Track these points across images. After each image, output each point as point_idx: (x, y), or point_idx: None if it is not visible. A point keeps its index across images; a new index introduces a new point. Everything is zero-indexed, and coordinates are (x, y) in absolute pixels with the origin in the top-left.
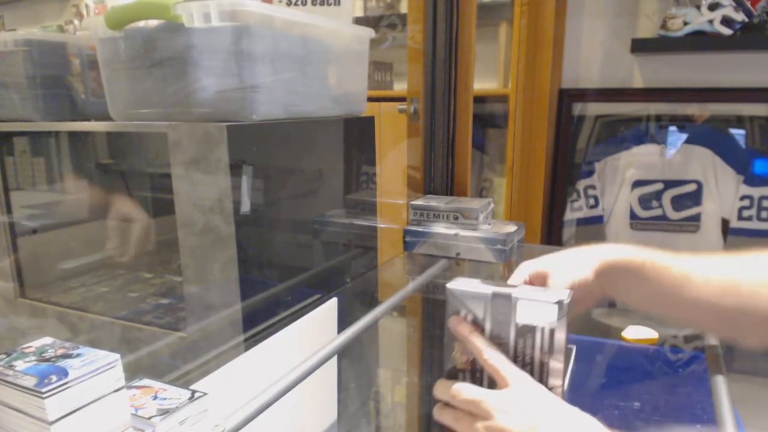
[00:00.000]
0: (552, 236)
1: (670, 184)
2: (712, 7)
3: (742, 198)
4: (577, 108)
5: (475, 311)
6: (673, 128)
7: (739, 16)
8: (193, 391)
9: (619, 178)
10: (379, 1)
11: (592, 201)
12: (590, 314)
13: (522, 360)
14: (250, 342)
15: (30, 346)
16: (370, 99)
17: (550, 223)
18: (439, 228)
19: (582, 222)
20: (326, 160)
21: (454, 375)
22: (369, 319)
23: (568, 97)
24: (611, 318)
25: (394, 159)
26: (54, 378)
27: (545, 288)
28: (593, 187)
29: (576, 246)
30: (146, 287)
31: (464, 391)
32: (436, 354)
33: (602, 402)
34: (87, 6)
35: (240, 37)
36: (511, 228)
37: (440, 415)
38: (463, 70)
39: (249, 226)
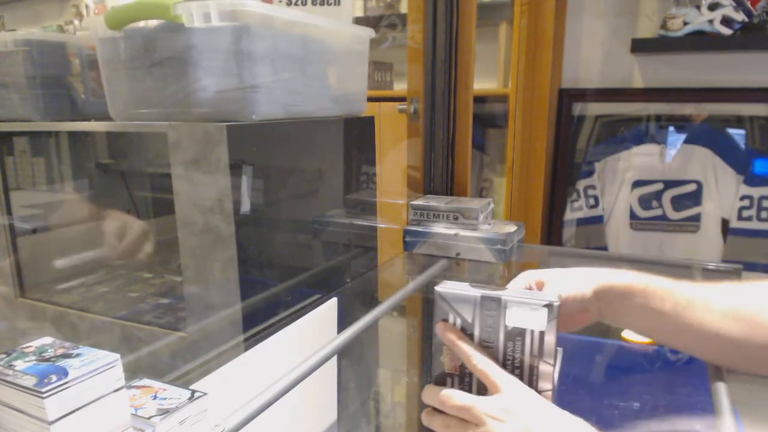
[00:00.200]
0: (552, 236)
1: (670, 184)
2: (712, 7)
3: (742, 198)
4: (577, 108)
5: (464, 314)
6: (672, 128)
7: (739, 16)
8: (193, 391)
9: (619, 178)
10: (379, 1)
11: (592, 201)
12: None
13: (511, 363)
14: (250, 342)
15: (30, 346)
16: (370, 99)
17: (550, 223)
18: (439, 228)
19: (582, 222)
20: (326, 160)
21: (442, 380)
22: (369, 319)
23: (568, 97)
24: None
25: (394, 159)
26: (54, 378)
27: (534, 291)
28: (593, 187)
29: (576, 246)
30: (146, 287)
31: (454, 397)
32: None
33: (602, 402)
34: (87, 6)
35: (240, 37)
36: (511, 228)
37: (429, 421)
38: (463, 70)
39: (249, 226)
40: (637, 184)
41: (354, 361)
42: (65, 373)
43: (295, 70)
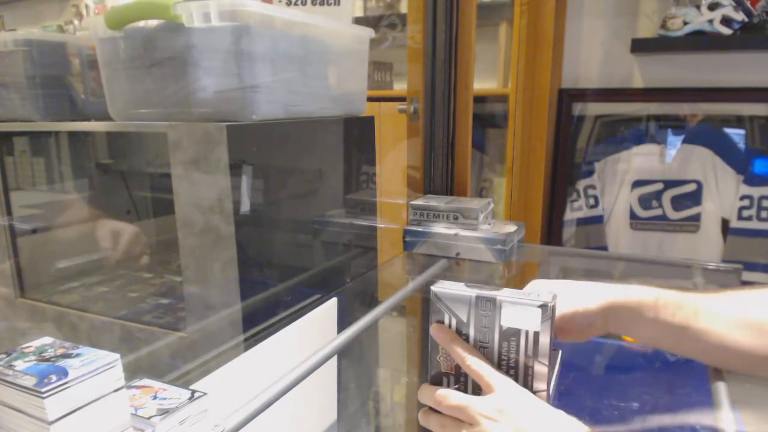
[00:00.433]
0: (552, 236)
1: (669, 183)
2: (712, 7)
3: (742, 198)
4: (577, 108)
5: (459, 314)
6: (672, 128)
7: (739, 16)
8: (193, 391)
9: (619, 178)
10: (379, 1)
11: (591, 201)
12: None
13: (506, 364)
14: (250, 342)
15: (30, 346)
16: (370, 99)
17: (550, 223)
18: (439, 228)
19: (582, 222)
20: (326, 160)
21: (438, 379)
22: (369, 319)
23: (568, 97)
24: None
25: (394, 159)
26: (54, 378)
27: (530, 291)
28: (593, 186)
29: (576, 246)
30: (146, 287)
31: (450, 397)
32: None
33: (602, 402)
34: (87, 6)
35: (240, 37)
36: (511, 228)
37: (425, 420)
38: (463, 70)
39: (249, 226)
40: (637, 184)
41: (354, 361)
42: (65, 373)
43: (295, 70)
